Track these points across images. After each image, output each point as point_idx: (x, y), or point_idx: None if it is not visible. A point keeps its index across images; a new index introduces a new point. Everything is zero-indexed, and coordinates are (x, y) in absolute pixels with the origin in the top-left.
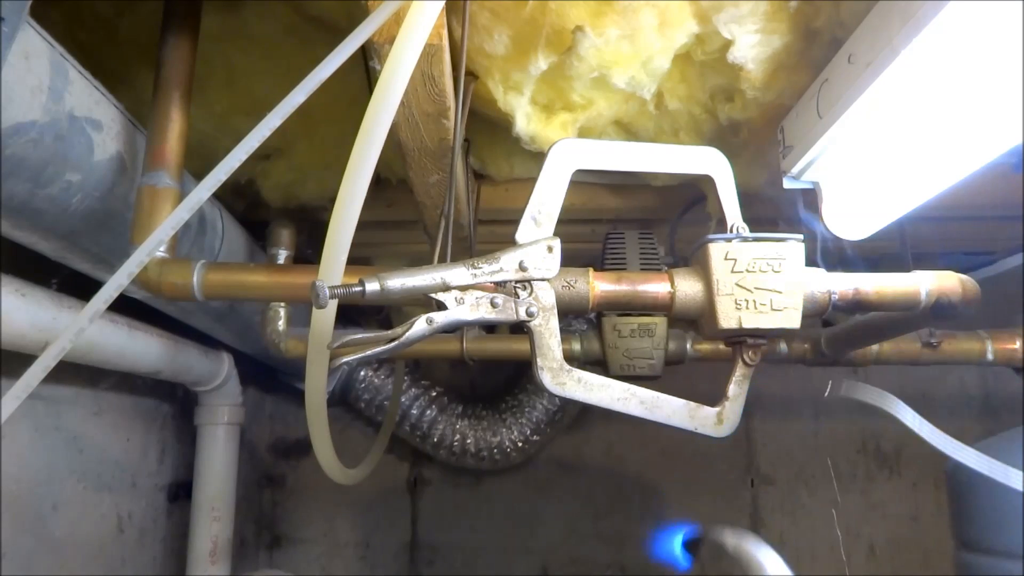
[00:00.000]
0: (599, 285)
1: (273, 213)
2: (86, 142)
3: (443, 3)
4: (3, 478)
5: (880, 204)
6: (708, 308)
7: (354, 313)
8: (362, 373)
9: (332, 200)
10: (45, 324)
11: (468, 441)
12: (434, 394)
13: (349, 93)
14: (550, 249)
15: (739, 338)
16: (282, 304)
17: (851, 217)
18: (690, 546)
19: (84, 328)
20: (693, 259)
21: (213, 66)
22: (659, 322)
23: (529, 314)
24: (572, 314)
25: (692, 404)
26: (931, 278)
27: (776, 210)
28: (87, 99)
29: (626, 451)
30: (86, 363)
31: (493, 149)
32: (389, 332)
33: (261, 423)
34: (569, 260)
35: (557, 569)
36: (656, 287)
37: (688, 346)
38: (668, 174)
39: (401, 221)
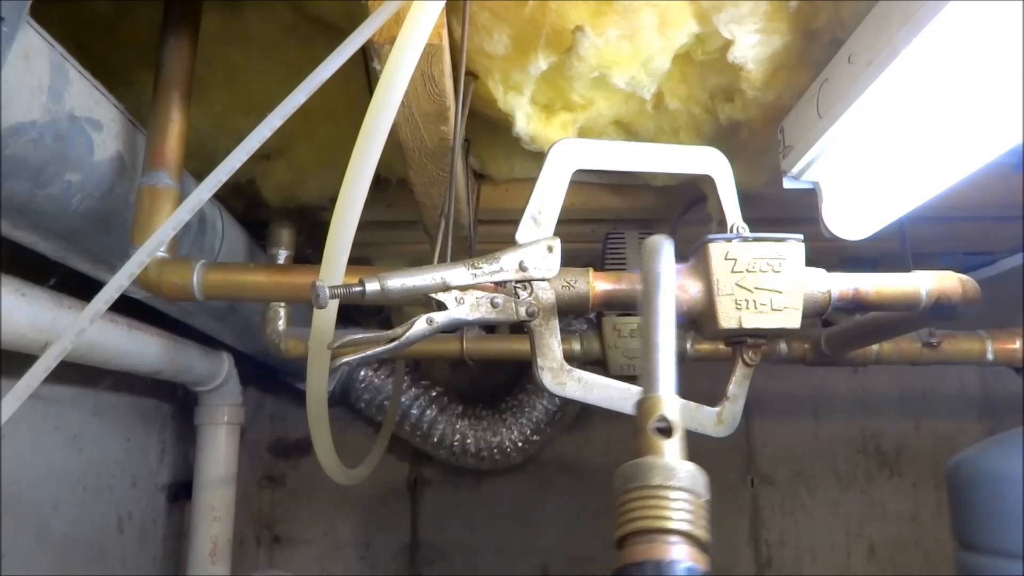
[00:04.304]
0: (599, 285)
1: (273, 213)
2: (86, 142)
3: (443, 3)
4: (3, 478)
5: (880, 204)
6: (708, 308)
7: (354, 313)
8: (362, 373)
9: (332, 200)
10: (45, 324)
11: (468, 441)
12: (434, 394)
13: (349, 93)
14: (550, 249)
15: (739, 338)
16: (282, 304)
17: (851, 217)
18: None
19: (85, 329)
20: (693, 259)
21: (213, 66)
22: None
23: (529, 314)
24: (572, 314)
25: (692, 404)
26: (931, 278)
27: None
28: (87, 99)
29: (626, 451)
30: (86, 363)
31: (493, 149)
32: (389, 332)
33: (261, 423)
34: (569, 260)
35: (557, 569)
36: None
37: (688, 346)
38: (668, 174)
39: (401, 221)
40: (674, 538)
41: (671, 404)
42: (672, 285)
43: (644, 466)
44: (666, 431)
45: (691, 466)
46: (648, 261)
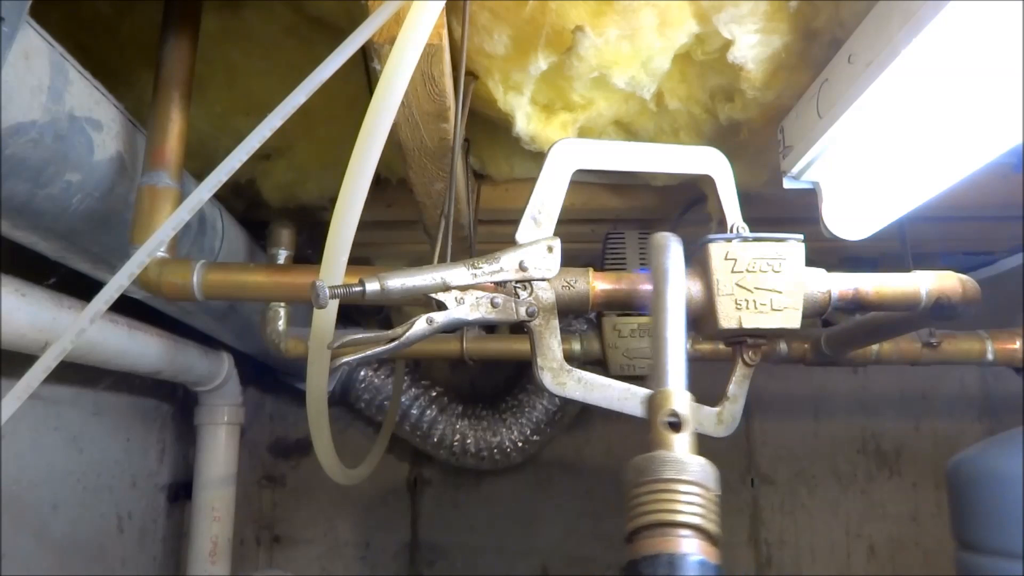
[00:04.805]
0: (599, 285)
1: (273, 213)
2: (86, 142)
3: (443, 3)
4: (3, 478)
5: (880, 204)
6: (708, 308)
7: (354, 313)
8: (362, 373)
9: (332, 200)
10: (45, 324)
11: (468, 441)
12: (434, 394)
13: (349, 93)
14: (550, 249)
15: (739, 338)
16: (282, 304)
17: (851, 217)
18: None
19: (85, 329)
20: (693, 259)
21: (213, 66)
22: None
23: (529, 314)
24: (572, 314)
25: (692, 404)
26: (931, 278)
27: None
28: (87, 99)
29: (626, 451)
30: (86, 363)
31: (493, 149)
32: (389, 332)
33: (261, 423)
34: (569, 260)
35: (557, 569)
36: None
37: (688, 346)
38: (668, 174)
39: (401, 221)
40: (685, 531)
41: (681, 398)
42: (681, 281)
43: (655, 460)
44: (676, 425)
45: (702, 460)
46: (656, 257)
